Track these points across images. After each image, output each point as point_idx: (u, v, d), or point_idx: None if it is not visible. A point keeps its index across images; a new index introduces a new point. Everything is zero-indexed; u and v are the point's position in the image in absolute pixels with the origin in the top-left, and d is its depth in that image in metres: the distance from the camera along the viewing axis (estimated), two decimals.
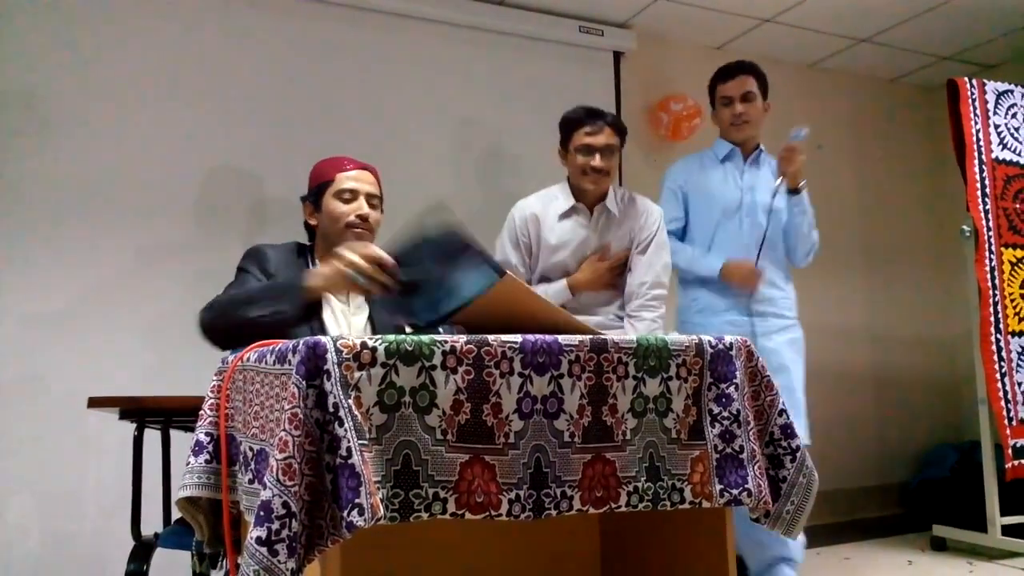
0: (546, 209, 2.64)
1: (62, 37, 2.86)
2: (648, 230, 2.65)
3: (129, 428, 2.10)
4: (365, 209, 1.96)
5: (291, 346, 1.25)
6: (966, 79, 3.45)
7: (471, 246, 1.55)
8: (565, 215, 2.63)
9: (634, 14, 3.79)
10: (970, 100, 3.44)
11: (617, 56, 3.91)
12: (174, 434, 2.17)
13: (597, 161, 2.54)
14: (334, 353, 1.21)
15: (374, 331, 1.95)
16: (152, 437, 2.13)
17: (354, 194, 1.96)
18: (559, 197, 2.66)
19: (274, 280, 1.85)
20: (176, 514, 2.07)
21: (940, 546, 3.53)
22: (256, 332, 1.68)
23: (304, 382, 1.18)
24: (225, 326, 1.74)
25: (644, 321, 2.57)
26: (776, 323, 2.90)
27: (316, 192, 1.99)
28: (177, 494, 1.46)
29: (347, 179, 1.97)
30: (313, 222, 2.00)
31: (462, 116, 3.50)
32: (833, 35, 4.07)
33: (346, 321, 1.91)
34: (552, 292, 2.56)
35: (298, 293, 1.74)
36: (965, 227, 3.40)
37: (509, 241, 2.65)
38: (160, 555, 2.02)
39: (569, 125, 2.60)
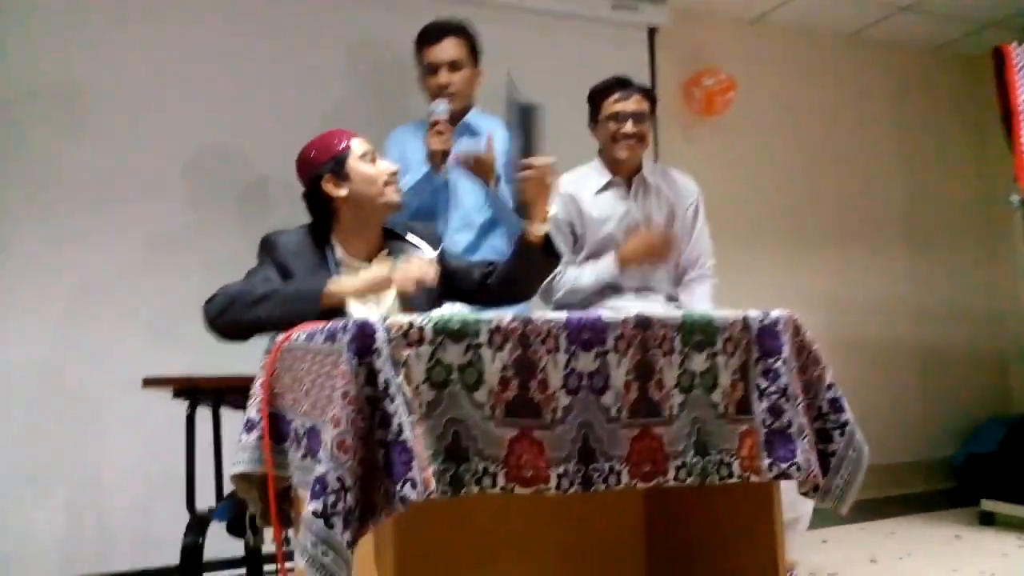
0: (579, 188, 2.62)
1: (75, 30, 2.88)
2: (690, 199, 2.69)
3: (174, 407, 2.14)
4: (392, 166, 2.00)
5: (341, 326, 1.27)
6: (1013, 45, 3.36)
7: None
8: (602, 190, 2.62)
9: None
10: (1017, 67, 3.34)
11: (652, 32, 3.85)
12: (224, 412, 2.20)
13: (629, 127, 2.54)
14: (383, 332, 1.23)
15: (402, 299, 1.91)
16: (200, 416, 2.17)
17: (373, 156, 1.97)
18: (592, 175, 2.65)
19: (289, 282, 1.83)
20: (227, 490, 2.11)
21: (988, 521, 3.48)
22: (264, 331, 1.75)
23: (355, 360, 1.20)
24: (231, 323, 1.76)
25: (703, 285, 2.63)
26: None
27: (337, 161, 1.93)
28: (231, 470, 1.49)
29: (361, 144, 1.97)
30: (342, 192, 1.92)
31: (494, 96, 3.47)
32: (874, 3, 3.98)
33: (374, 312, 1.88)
34: (600, 267, 2.54)
35: (315, 299, 1.72)
36: (1014, 198, 3.31)
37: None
38: (211, 529, 2.07)
39: (597, 96, 2.61)
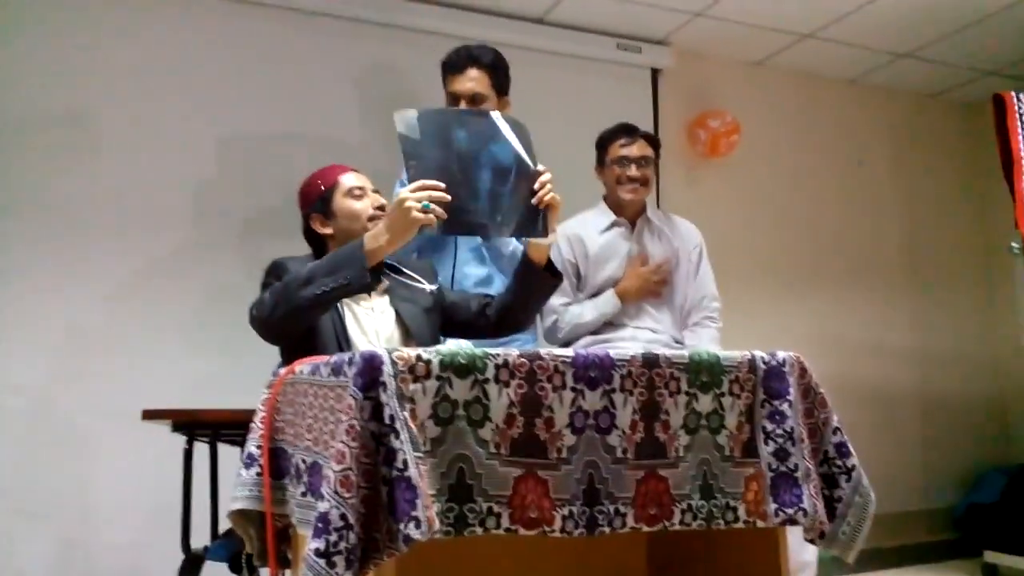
0: (586, 228, 2.67)
1: (76, 56, 2.89)
2: (695, 243, 2.73)
3: (168, 441, 2.11)
4: (380, 200, 1.98)
5: (347, 359, 1.26)
6: (1013, 93, 3.39)
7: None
8: (606, 230, 2.66)
9: (672, 31, 3.79)
10: (1017, 114, 3.38)
11: (655, 73, 3.90)
12: (221, 447, 2.18)
13: (633, 171, 2.61)
14: (390, 365, 1.21)
15: (403, 329, 1.91)
16: (197, 450, 2.15)
17: (363, 191, 1.97)
18: (598, 216, 2.70)
19: (322, 259, 1.80)
20: (223, 527, 2.08)
21: (992, 573, 3.43)
22: (320, 310, 1.75)
23: (361, 394, 1.18)
24: (289, 312, 1.72)
25: (709, 329, 2.64)
26: None
27: (323, 200, 1.97)
28: (229, 507, 1.46)
29: (352, 178, 1.98)
30: (328, 230, 1.96)
31: None
32: (874, 50, 4.03)
33: (371, 325, 1.87)
34: (601, 302, 2.57)
35: (359, 258, 1.70)
36: (1014, 243, 3.32)
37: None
38: (206, 570, 2.03)
39: (604, 141, 2.68)
